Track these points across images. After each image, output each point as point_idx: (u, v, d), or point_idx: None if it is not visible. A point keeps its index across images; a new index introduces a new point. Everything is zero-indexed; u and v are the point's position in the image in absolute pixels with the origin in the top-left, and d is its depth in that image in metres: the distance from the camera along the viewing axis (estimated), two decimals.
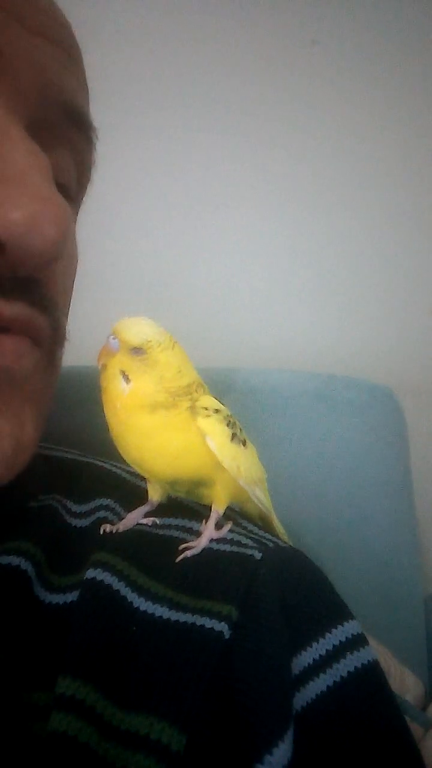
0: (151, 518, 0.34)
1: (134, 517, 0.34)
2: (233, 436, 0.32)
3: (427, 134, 0.85)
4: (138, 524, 0.33)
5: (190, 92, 0.80)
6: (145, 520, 0.34)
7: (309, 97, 0.83)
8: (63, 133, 0.29)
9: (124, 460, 0.33)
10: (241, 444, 0.33)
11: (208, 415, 0.31)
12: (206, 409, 0.32)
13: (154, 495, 0.35)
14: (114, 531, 0.32)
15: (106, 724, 0.23)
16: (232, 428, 0.32)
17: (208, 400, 0.32)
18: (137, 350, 0.30)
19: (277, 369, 0.70)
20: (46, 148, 0.26)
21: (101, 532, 0.32)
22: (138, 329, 0.30)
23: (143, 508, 0.34)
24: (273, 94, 0.83)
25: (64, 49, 0.28)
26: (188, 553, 0.30)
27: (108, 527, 0.32)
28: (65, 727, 0.22)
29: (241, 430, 0.34)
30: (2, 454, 0.25)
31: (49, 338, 0.27)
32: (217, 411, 0.32)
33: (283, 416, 0.65)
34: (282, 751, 0.24)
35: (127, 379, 0.31)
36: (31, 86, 0.26)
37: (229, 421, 0.33)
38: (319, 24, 0.83)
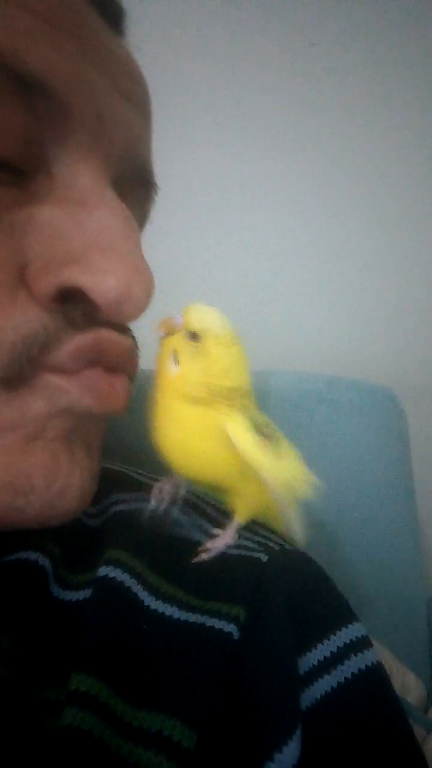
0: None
1: (168, 487, 0.34)
2: (262, 435, 0.30)
3: (428, 136, 0.86)
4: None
5: (189, 95, 0.81)
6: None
7: (308, 98, 0.83)
8: (133, 192, 0.30)
9: (138, 462, 0.33)
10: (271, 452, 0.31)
11: (229, 414, 0.30)
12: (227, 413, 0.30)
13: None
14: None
15: (118, 720, 0.23)
16: (264, 428, 0.31)
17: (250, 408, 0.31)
18: (194, 335, 0.30)
19: (279, 370, 0.70)
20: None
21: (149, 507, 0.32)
22: (203, 315, 0.30)
23: (171, 482, 0.34)
24: (272, 96, 0.83)
25: (145, 111, 0.29)
26: (204, 556, 0.30)
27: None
28: (79, 722, 0.23)
29: (278, 440, 0.32)
30: (81, 496, 0.27)
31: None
32: (257, 426, 0.30)
33: (284, 418, 0.65)
34: (292, 749, 0.24)
35: (176, 360, 0.30)
36: (121, 150, 0.27)
37: (258, 420, 0.31)
38: (317, 26, 0.83)
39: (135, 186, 0.30)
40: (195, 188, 0.82)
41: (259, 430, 0.30)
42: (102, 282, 0.24)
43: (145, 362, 0.32)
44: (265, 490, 0.30)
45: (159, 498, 0.33)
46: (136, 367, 0.28)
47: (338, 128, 0.84)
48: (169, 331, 0.31)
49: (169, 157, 0.80)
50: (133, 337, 0.29)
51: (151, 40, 0.78)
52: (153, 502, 0.33)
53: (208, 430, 0.30)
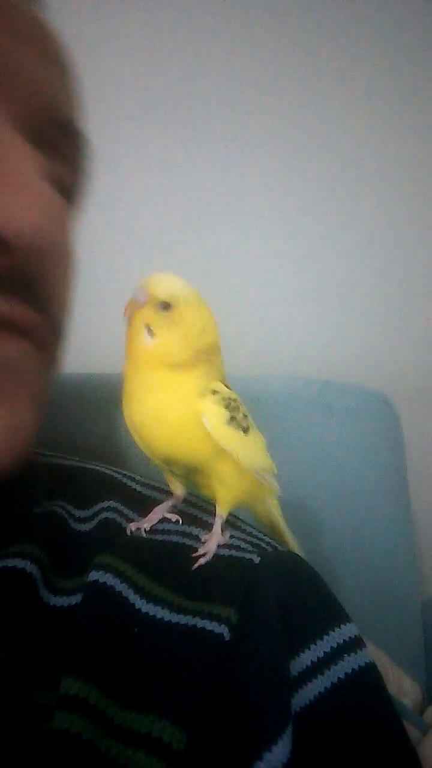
0: (176, 515, 0.34)
1: (159, 512, 0.34)
2: (231, 419, 0.31)
3: (427, 141, 0.86)
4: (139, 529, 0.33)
5: (189, 100, 0.81)
6: (170, 515, 0.34)
7: (308, 104, 0.84)
8: (54, 142, 0.30)
9: (128, 465, 0.33)
10: (240, 429, 0.32)
11: (205, 395, 0.31)
12: (205, 388, 0.31)
13: (177, 489, 0.35)
14: (141, 528, 0.32)
15: (108, 722, 0.24)
16: (233, 411, 0.32)
17: (212, 383, 0.32)
18: (164, 305, 0.30)
19: (273, 375, 0.71)
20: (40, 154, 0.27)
21: (128, 532, 0.32)
22: (167, 284, 0.31)
23: (168, 503, 0.34)
24: (271, 100, 0.83)
25: (52, 58, 0.29)
26: (202, 561, 0.30)
27: (134, 525, 0.32)
28: (68, 725, 0.23)
29: (245, 416, 0.33)
30: None
31: (47, 337, 0.28)
32: (215, 392, 0.31)
33: (279, 422, 0.65)
34: (281, 749, 0.24)
35: (151, 333, 0.31)
36: (26, 98, 0.27)
37: (230, 404, 0.32)
38: (316, 34, 0.84)
39: (57, 139, 0.30)
40: (192, 193, 0.82)
41: (235, 421, 0.32)
42: (2, 212, 0.23)
43: None
44: (240, 471, 0.32)
45: (152, 522, 0.33)
46: (30, 327, 0.27)
47: (337, 133, 0.85)
48: (136, 310, 0.31)
49: (166, 162, 0.80)
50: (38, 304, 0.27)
51: (152, 46, 0.79)
52: (146, 525, 0.33)
53: (183, 396, 0.31)
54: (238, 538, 0.33)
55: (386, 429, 0.69)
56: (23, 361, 0.27)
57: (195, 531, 0.34)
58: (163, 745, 0.23)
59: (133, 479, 0.40)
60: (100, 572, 0.28)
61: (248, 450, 0.32)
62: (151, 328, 0.30)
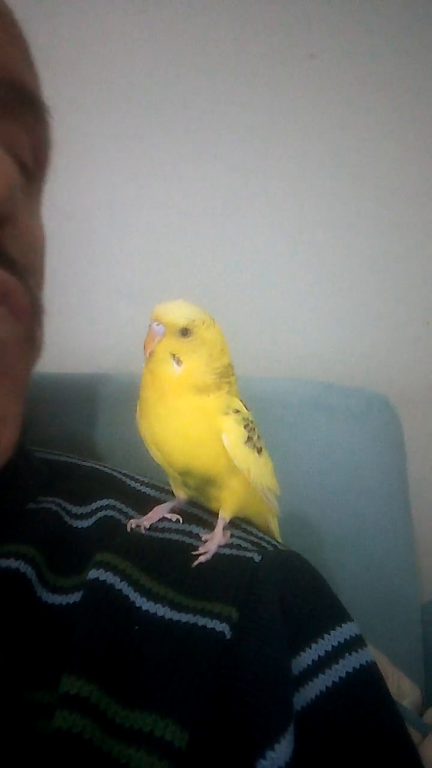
0: (176, 515, 0.34)
1: (160, 511, 0.34)
2: (248, 439, 0.33)
3: (426, 146, 0.87)
4: (139, 526, 0.33)
5: (191, 104, 0.81)
6: (170, 515, 0.34)
7: (308, 110, 0.84)
8: (11, 110, 0.29)
9: (127, 463, 0.33)
10: (255, 450, 0.33)
11: (228, 414, 0.32)
12: (228, 407, 0.32)
13: (179, 492, 0.35)
14: (141, 526, 0.32)
15: (109, 721, 0.24)
16: (250, 432, 0.33)
17: (235, 402, 0.33)
18: (185, 331, 0.31)
19: (275, 377, 0.71)
20: None
21: (128, 529, 0.32)
22: (182, 311, 0.31)
23: (169, 504, 0.35)
24: (272, 107, 0.84)
25: (4, 29, 0.29)
26: (202, 559, 0.30)
27: (134, 522, 0.33)
28: (69, 724, 0.23)
29: (259, 437, 0.34)
30: None
31: (27, 309, 0.28)
32: (237, 411, 0.32)
33: (280, 424, 0.65)
34: (283, 747, 0.24)
35: (178, 361, 0.31)
36: None
37: (248, 424, 0.33)
38: (317, 38, 0.84)
39: (13, 106, 0.29)
40: (192, 194, 0.82)
41: (251, 441, 0.33)
42: None
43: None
44: (249, 487, 0.33)
45: (152, 520, 0.34)
46: (16, 300, 0.27)
47: (337, 138, 0.85)
48: (156, 343, 0.32)
49: (166, 163, 0.81)
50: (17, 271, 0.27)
51: (153, 51, 0.79)
52: (145, 523, 0.33)
53: (205, 415, 0.32)
54: (239, 537, 0.33)
55: (387, 431, 0.69)
56: (4, 342, 0.26)
57: (196, 530, 0.34)
58: (164, 744, 0.23)
59: (132, 478, 0.40)
60: (99, 570, 0.28)
61: (259, 470, 0.34)
62: (177, 356, 0.31)
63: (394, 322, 0.87)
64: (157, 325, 0.31)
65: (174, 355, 0.31)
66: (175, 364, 0.31)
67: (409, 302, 0.87)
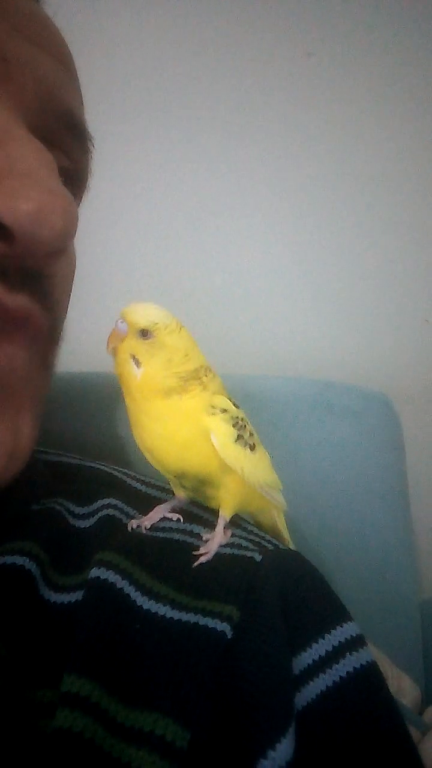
0: (177, 515, 0.34)
1: (161, 511, 0.34)
2: (238, 437, 0.32)
3: (425, 145, 0.87)
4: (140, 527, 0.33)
5: (189, 102, 0.81)
6: (170, 515, 0.34)
7: (306, 108, 0.84)
8: (61, 141, 0.30)
9: (128, 463, 0.33)
10: (247, 447, 0.33)
11: (214, 414, 0.32)
12: (213, 407, 0.32)
13: (180, 494, 0.35)
14: (141, 525, 0.32)
15: (111, 720, 0.24)
16: (240, 430, 0.33)
17: (220, 400, 0.33)
18: (145, 333, 0.31)
19: (274, 375, 0.71)
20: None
21: (129, 529, 0.32)
22: (145, 312, 0.31)
23: (170, 504, 0.35)
24: (270, 105, 0.84)
25: (62, 61, 0.30)
26: (203, 559, 0.30)
27: (135, 522, 0.32)
28: (71, 723, 0.23)
29: (252, 434, 0.34)
30: None
31: (45, 337, 0.28)
32: (224, 411, 0.32)
33: (279, 422, 0.65)
34: (284, 747, 0.24)
35: (137, 363, 0.31)
36: (33, 94, 0.27)
37: (237, 422, 0.33)
38: (314, 36, 0.84)
39: (64, 137, 0.30)
40: (192, 193, 0.82)
41: (242, 439, 0.32)
42: (14, 204, 0.23)
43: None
44: (246, 484, 0.33)
45: (153, 520, 0.34)
46: (35, 326, 0.27)
47: (335, 137, 0.85)
48: (119, 341, 0.32)
49: (167, 164, 0.80)
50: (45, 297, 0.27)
51: (152, 50, 0.79)
52: (146, 523, 0.33)
53: (188, 418, 0.31)
54: (240, 537, 0.33)
55: (386, 429, 0.69)
56: (26, 369, 0.27)
57: (196, 529, 0.34)
58: (165, 743, 0.23)
59: (133, 477, 0.40)
60: (101, 569, 0.28)
61: (254, 467, 0.33)
62: (137, 357, 0.31)
63: (393, 320, 0.87)
64: (122, 322, 0.31)
65: (134, 357, 0.31)
66: (134, 366, 0.31)
67: (408, 300, 0.87)
